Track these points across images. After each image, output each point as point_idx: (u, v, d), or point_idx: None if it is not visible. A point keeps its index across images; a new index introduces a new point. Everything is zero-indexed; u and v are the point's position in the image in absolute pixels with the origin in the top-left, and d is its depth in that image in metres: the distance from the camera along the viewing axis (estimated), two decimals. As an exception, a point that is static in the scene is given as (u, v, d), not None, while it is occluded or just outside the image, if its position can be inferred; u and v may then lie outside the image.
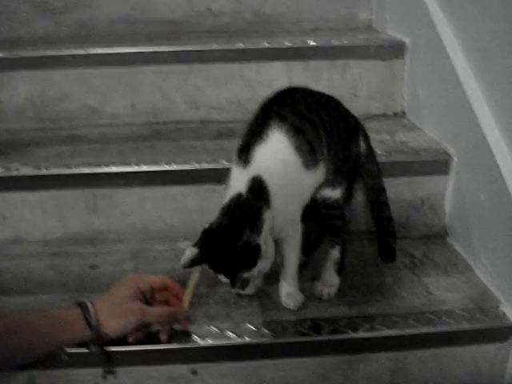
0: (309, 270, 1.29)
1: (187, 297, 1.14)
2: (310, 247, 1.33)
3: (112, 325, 1.04)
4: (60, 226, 1.39)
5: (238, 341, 1.11)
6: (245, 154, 1.09)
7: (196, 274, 1.15)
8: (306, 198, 1.16)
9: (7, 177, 1.34)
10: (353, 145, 1.23)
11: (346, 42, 1.62)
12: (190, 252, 1.04)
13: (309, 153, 1.12)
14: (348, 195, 1.24)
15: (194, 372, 1.13)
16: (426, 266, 1.34)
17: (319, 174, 1.16)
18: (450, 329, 1.14)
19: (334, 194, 1.21)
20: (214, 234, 1.04)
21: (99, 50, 1.59)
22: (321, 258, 1.30)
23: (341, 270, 1.26)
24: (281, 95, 1.18)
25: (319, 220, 1.27)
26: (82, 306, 1.04)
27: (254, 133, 1.12)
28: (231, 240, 1.02)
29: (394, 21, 1.72)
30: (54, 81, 1.60)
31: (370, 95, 1.65)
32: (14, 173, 1.34)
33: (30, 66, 1.58)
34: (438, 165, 1.38)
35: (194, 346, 1.11)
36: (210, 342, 1.11)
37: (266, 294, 1.24)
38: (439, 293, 1.24)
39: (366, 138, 1.27)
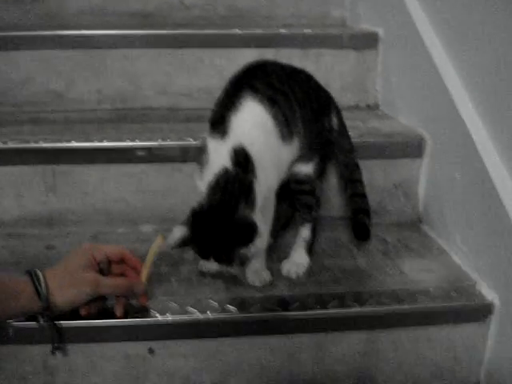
0: (276, 253, 1.23)
1: (145, 270, 1.06)
2: (278, 229, 1.28)
3: (63, 294, 0.97)
4: (16, 205, 1.31)
5: (200, 316, 1.04)
6: (220, 125, 1.04)
7: (155, 246, 1.08)
8: (282, 172, 1.12)
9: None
10: (325, 119, 1.20)
11: (318, 31, 1.60)
12: (179, 232, 0.97)
13: (284, 124, 1.08)
14: (320, 171, 1.20)
15: (152, 351, 1.06)
16: (400, 250, 1.29)
17: (294, 147, 1.12)
18: (425, 306, 1.08)
19: (306, 168, 1.17)
20: (206, 212, 0.97)
21: (66, 32, 1.54)
22: (290, 240, 1.25)
23: (311, 249, 1.22)
24: (251, 69, 1.14)
25: (290, 197, 1.23)
26: (31, 274, 0.97)
27: (227, 104, 1.06)
28: (226, 217, 0.96)
29: (367, 14, 1.71)
30: (17, 63, 1.54)
31: (343, 86, 1.62)
32: (-32, 146, 1.27)
33: (-7, 46, 1.53)
34: (411, 147, 1.35)
35: (151, 322, 1.04)
36: (169, 317, 1.04)
37: (231, 273, 1.18)
38: (413, 274, 1.19)
39: (338, 114, 1.25)
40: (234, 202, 0.97)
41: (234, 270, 1.08)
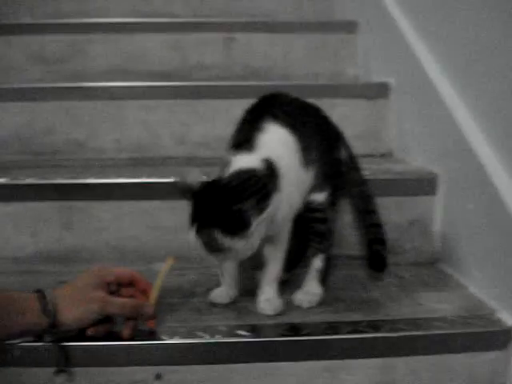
0: (290, 287, 1.21)
1: (154, 292, 1.05)
2: (292, 263, 1.26)
3: (70, 312, 0.96)
4: (32, 241, 1.32)
5: (210, 340, 1.01)
6: (247, 144, 1.05)
7: (165, 268, 1.07)
8: (300, 198, 1.12)
9: (-20, 185, 1.30)
10: (335, 150, 1.22)
11: (331, 81, 1.65)
12: (195, 176, 0.99)
13: (303, 150, 1.10)
14: (332, 200, 1.20)
15: (159, 377, 1.03)
16: (416, 285, 1.26)
17: (310, 175, 1.13)
18: (443, 332, 1.04)
19: (319, 197, 1.17)
20: (219, 187, 0.98)
21: (87, 84, 1.62)
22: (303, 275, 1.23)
23: (324, 280, 1.20)
24: (267, 99, 1.18)
25: (303, 231, 1.22)
26: (39, 291, 0.96)
27: (251, 128, 1.09)
28: (231, 200, 0.95)
29: (379, 68, 1.76)
30: (40, 113, 1.61)
31: (357, 135, 1.64)
32: (-12, 182, 1.31)
33: (17, 97, 1.60)
34: (424, 184, 1.34)
35: (159, 344, 1.01)
36: (177, 340, 1.01)
37: (243, 304, 1.16)
38: (430, 304, 1.15)
39: (347, 147, 1.27)
40: (246, 193, 0.96)
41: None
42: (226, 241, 0.95)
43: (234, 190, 0.96)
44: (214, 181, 1.00)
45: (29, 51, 1.88)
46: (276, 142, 1.07)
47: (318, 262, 1.19)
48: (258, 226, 0.97)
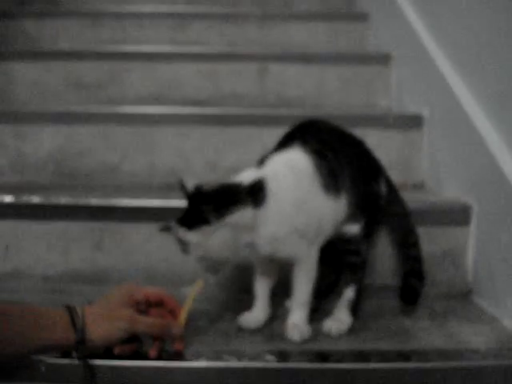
0: (322, 315, 1.19)
1: (183, 313, 1.05)
2: (324, 292, 1.25)
3: (98, 328, 0.96)
4: (63, 261, 1.34)
5: (238, 364, 1.00)
6: (260, 162, 1.13)
7: (194, 290, 1.07)
8: (325, 228, 1.11)
9: (16, 204, 1.33)
10: (373, 183, 1.21)
11: (365, 109, 1.65)
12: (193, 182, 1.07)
13: (330, 177, 1.10)
14: (367, 233, 1.19)
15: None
16: (448, 316, 1.23)
17: (341, 204, 1.12)
18: (475, 364, 1.01)
19: (353, 228, 1.16)
20: (199, 192, 1.06)
21: (123, 109, 1.65)
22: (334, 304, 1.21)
23: (355, 310, 1.18)
24: (304, 125, 1.20)
25: (336, 258, 1.21)
26: (69, 308, 0.97)
27: (275, 150, 1.15)
28: (197, 201, 1.04)
29: (412, 99, 1.76)
30: (76, 136, 1.64)
31: (389, 166, 1.63)
32: (24, 200, 1.33)
33: (54, 120, 1.63)
34: (457, 214, 1.33)
35: (185, 365, 1.00)
36: (204, 363, 1.00)
37: (272, 329, 1.15)
38: (462, 336, 1.12)
39: (389, 182, 1.26)
40: (210, 199, 1.03)
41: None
42: (181, 231, 1.04)
43: (205, 194, 1.05)
44: (200, 187, 1.07)
45: (67, 77, 1.93)
46: (282, 164, 1.10)
47: (349, 293, 1.17)
48: (218, 229, 1.02)
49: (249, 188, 1.04)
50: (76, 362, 0.97)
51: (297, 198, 1.07)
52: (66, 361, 0.98)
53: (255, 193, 1.04)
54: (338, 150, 1.14)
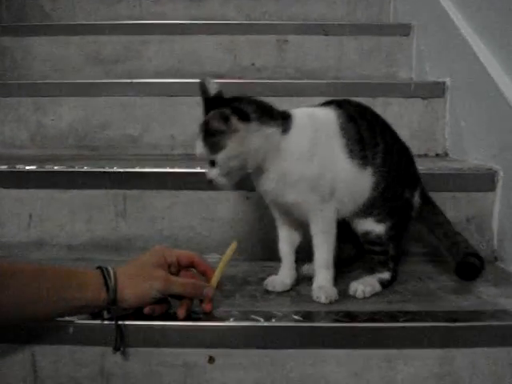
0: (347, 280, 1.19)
1: (217, 276, 1.05)
2: (344, 262, 1.24)
3: (132, 289, 0.95)
4: (86, 229, 1.34)
5: (264, 323, 1.00)
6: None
7: (229, 253, 1.07)
8: (341, 192, 1.09)
9: (39, 172, 1.33)
10: (407, 190, 1.18)
11: (385, 80, 1.64)
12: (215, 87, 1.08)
13: (356, 142, 1.09)
14: (393, 236, 1.15)
15: (212, 359, 1.01)
16: (474, 281, 1.22)
17: (364, 178, 1.10)
18: (505, 323, 1.00)
19: (378, 228, 1.14)
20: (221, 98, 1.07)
21: (143, 80, 1.64)
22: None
23: (385, 285, 1.16)
24: (347, 100, 1.18)
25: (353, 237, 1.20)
26: (101, 268, 0.97)
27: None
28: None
29: (433, 68, 1.75)
30: (96, 108, 1.64)
31: (412, 134, 1.62)
32: (47, 168, 1.33)
33: (74, 92, 1.63)
34: (482, 180, 1.31)
35: (213, 326, 1.00)
36: (232, 322, 1.00)
37: (296, 291, 1.15)
38: (490, 298, 1.11)
39: (424, 195, 1.22)
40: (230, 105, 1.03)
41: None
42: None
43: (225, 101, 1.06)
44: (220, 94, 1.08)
45: (86, 51, 1.93)
46: (307, 112, 1.11)
47: (385, 274, 1.16)
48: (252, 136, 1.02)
49: (280, 112, 1.07)
50: (105, 322, 0.98)
51: (311, 146, 1.06)
52: (94, 323, 0.98)
53: (284, 117, 1.06)
54: (376, 129, 1.13)
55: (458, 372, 1.01)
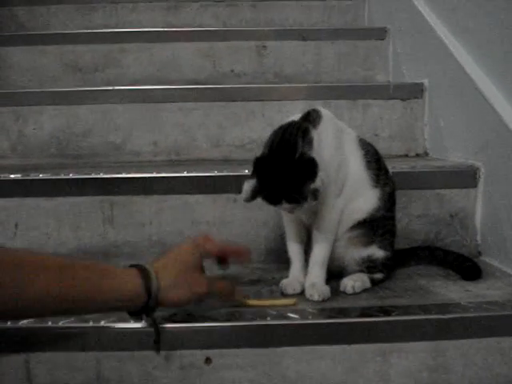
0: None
1: (255, 302, 1.08)
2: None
3: (174, 294, 0.93)
4: (73, 236, 1.33)
5: (260, 322, 1.01)
6: None
7: (283, 302, 1.09)
8: (348, 192, 1.12)
9: (24, 180, 1.31)
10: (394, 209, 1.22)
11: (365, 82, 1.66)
12: (248, 184, 1.02)
13: (372, 160, 1.16)
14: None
15: (208, 360, 1.02)
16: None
17: (373, 194, 1.14)
18: (494, 314, 1.03)
19: (379, 253, 1.17)
20: (268, 156, 1.03)
21: (124, 87, 1.64)
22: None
23: (375, 283, 1.18)
24: None
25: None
26: (141, 268, 0.91)
27: None
28: (287, 155, 1.00)
29: (411, 69, 1.78)
30: (78, 116, 1.63)
31: (392, 135, 1.65)
32: (32, 176, 1.32)
33: (54, 100, 1.62)
34: (464, 176, 1.34)
35: (210, 326, 1.00)
36: (228, 323, 1.01)
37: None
38: (478, 290, 1.14)
39: None
40: (292, 140, 1.01)
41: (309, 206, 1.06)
42: (316, 183, 0.99)
43: (284, 146, 1.03)
44: (263, 157, 1.05)
45: (63, 61, 1.92)
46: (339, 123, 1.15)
47: (376, 275, 1.18)
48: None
49: (305, 117, 1.09)
50: (99, 325, 0.97)
51: (335, 149, 1.10)
52: (87, 325, 0.98)
53: (313, 118, 1.08)
54: (380, 160, 1.19)
55: (451, 362, 1.03)
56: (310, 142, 1.03)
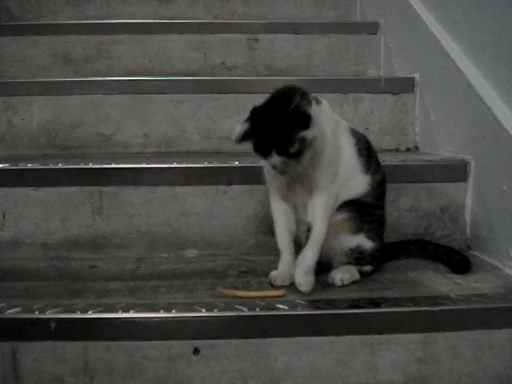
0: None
1: (241, 293, 1.08)
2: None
3: None
4: (62, 227, 1.31)
5: (249, 313, 1.00)
6: None
7: (270, 293, 1.08)
8: (342, 178, 1.13)
9: (12, 169, 1.30)
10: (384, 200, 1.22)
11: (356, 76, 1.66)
12: (241, 126, 1.04)
13: (363, 148, 1.17)
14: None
15: (196, 350, 1.01)
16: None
17: (364, 180, 1.16)
18: (483, 306, 1.03)
19: (368, 244, 1.17)
20: (265, 105, 1.04)
21: (114, 78, 1.63)
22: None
23: (364, 275, 1.18)
24: None
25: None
26: None
27: None
28: (283, 105, 1.00)
29: (402, 64, 1.78)
30: (68, 107, 1.62)
31: (382, 129, 1.65)
32: (20, 166, 1.31)
33: (44, 91, 1.61)
34: (455, 170, 1.34)
35: (198, 316, 1.00)
36: (217, 313, 1.00)
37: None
38: (467, 283, 1.14)
39: None
40: (290, 93, 1.01)
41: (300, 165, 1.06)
42: (307, 133, 1.01)
43: (281, 98, 1.03)
44: (260, 107, 1.06)
45: (54, 51, 1.91)
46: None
47: (365, 267, 1.18)
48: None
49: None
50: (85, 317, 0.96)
51: (332, 131, 1.11)
52: (75, 316, 0.97)
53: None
54: (372, 149, 1.21)
55: (440, 354, 1.03)
56: (309, 103, 1.03)
